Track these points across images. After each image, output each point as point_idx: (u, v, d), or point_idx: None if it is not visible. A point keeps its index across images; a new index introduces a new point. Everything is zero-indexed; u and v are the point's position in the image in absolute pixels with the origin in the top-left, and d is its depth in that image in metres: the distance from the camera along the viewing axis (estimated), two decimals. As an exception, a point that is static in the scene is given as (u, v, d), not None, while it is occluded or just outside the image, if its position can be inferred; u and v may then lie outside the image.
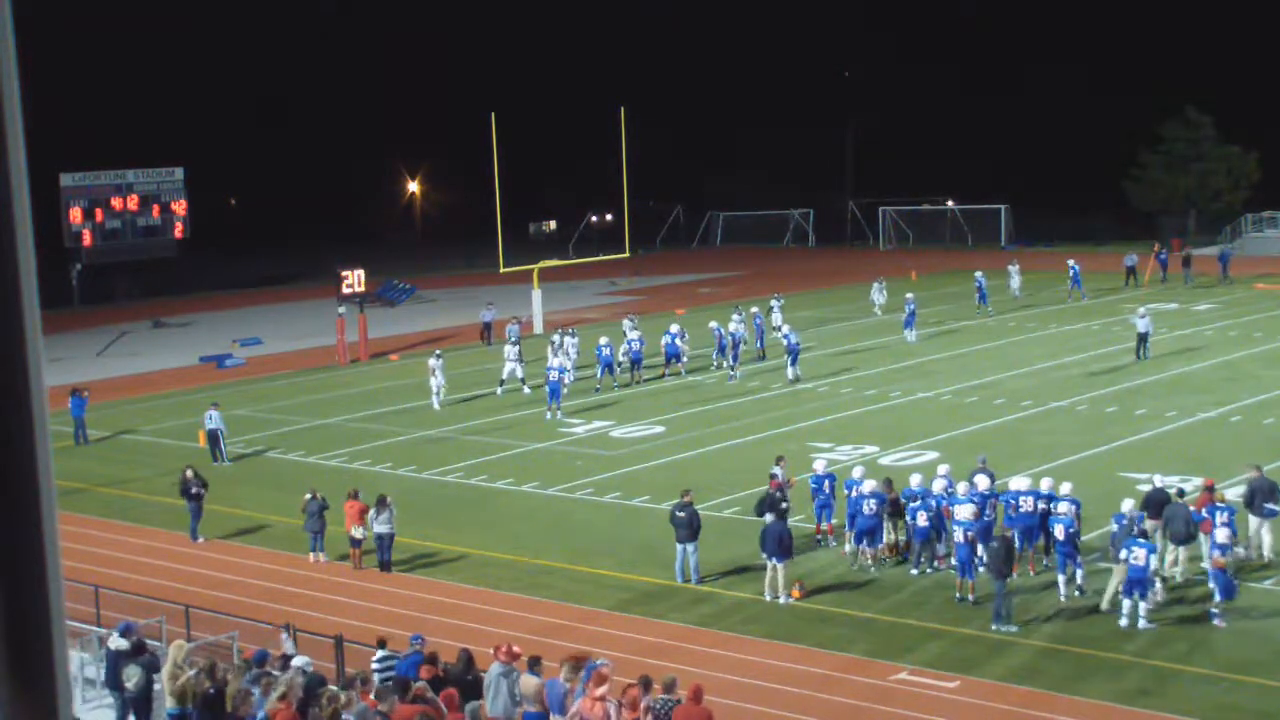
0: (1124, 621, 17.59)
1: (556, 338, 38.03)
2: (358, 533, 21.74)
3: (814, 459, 23.36)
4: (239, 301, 66.52)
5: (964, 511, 19.23)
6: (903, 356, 39.91)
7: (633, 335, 38.02)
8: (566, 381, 35.13)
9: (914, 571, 20.13)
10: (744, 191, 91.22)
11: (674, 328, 38.71)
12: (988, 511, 19.49)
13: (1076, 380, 34.72)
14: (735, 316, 40.43)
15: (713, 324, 39.58)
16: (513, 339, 40.27)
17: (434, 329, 52.10)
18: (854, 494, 20.52)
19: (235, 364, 45.15)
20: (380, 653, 15.85)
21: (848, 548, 20.77)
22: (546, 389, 32.99)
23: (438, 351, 36.74)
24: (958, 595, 18.86)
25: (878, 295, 49.10)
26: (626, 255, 55.62)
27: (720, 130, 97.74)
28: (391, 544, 21.73)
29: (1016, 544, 18.50)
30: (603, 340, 37.04)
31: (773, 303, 45.30)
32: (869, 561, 20.35)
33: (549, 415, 32.58)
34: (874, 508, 20.15)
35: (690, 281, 67.06)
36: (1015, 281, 51.02)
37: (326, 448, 31.09)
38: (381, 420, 34.05)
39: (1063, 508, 18.92)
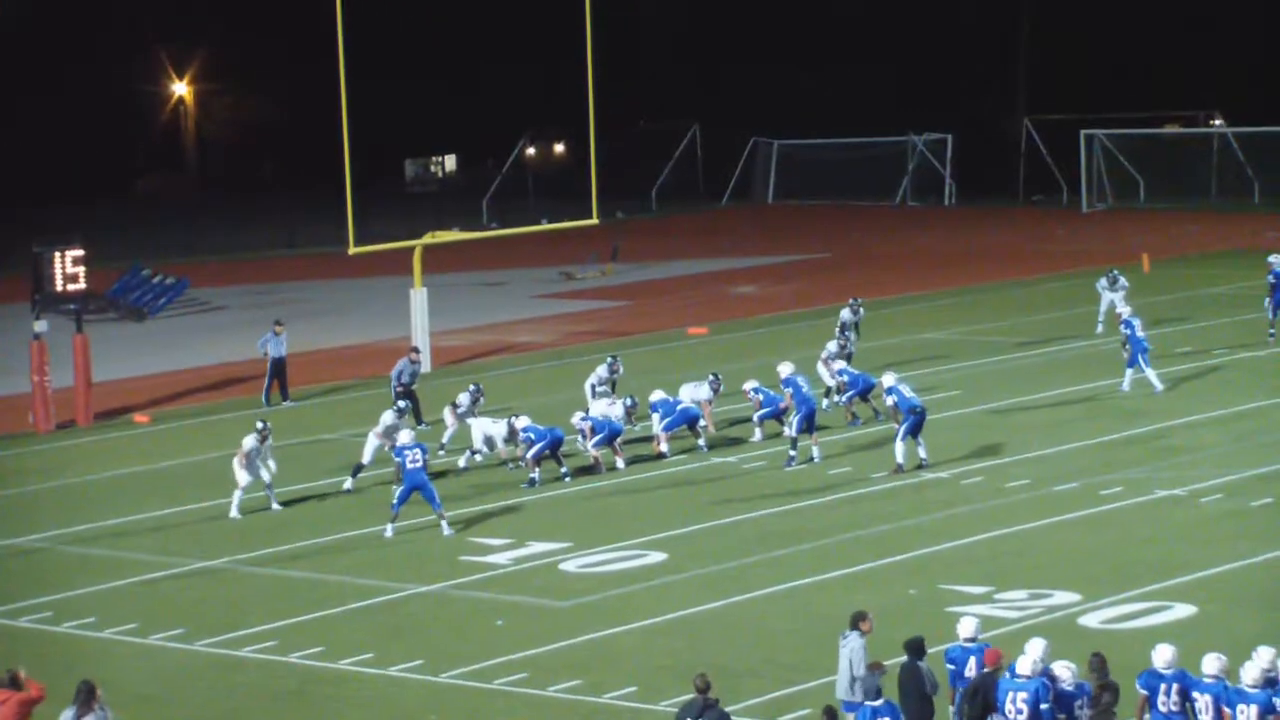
0: None
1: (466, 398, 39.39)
2: None
3: (956, 614, 23.44)
4: None
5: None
6: (1124, 418, 40.38)
7: (602, 393, 39.73)
8: (460, 464, 37.27)
9: None
10: (816, 101, 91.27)
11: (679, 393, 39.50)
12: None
13: None
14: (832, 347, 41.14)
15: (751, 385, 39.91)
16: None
17: (225, 361, 51.77)
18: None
19: None
20: None
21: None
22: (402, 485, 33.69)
23: (260, 424, 35.43)
24: None
25: (1111, 297, 48.85)
26: (594, 222, 55.44)
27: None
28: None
29: None
30: (523, 422, 37.33)
31: (845, 315, 45.08)
32: None
33: (446, 530, 33.25)
34: (1023, 706, 20.35)
35: (713, 273, 66.81)
36: None
37: (3, 594, 31.08)
38: (113, 540, 34.28)
39: None
